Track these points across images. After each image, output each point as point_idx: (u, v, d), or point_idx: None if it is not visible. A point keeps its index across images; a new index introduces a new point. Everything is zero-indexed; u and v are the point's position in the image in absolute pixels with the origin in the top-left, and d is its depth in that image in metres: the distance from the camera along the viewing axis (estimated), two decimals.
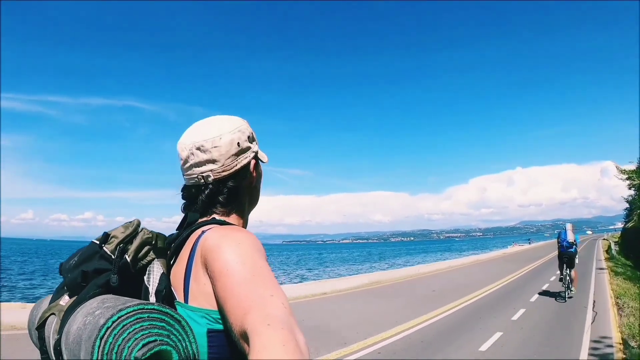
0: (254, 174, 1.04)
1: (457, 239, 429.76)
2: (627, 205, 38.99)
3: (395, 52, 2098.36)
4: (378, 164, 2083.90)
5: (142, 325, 0.73)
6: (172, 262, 0.95)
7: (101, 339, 0.70)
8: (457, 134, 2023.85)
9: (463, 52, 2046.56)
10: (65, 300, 0.89)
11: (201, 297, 0.83)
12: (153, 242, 0.93)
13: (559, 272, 10.65)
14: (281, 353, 0.60)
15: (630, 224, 30.17)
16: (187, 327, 0.78)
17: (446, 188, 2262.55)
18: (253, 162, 1.03)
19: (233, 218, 1.00)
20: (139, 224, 0.96)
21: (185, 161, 0.98)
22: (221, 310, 0.78)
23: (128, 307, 0.74)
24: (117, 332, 0.71)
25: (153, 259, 0.93)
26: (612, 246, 26.64)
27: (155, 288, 0.89)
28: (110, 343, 0.70)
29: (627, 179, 27.58)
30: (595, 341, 6.38)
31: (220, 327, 0.80)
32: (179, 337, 0.76)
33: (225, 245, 0.81)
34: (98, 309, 0.76)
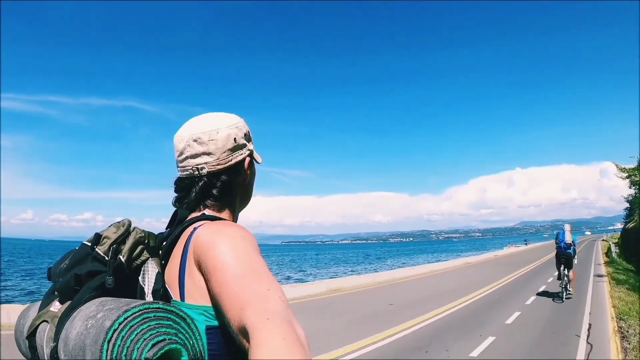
0: (248, 172, 1.03)
1: (455, 240, 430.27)
2: (626, 205, 37.00)
3: (396, 52, 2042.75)
4: (378, 165, 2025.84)
5: (149, 325, 0.72)
6: (165, 260, 0.93)
7: (109, 342, 0.69)
8: (456, 135, 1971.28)
9: (463, 53, 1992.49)
10: (56, 306, 0.87)
11: (197, 294, 0.82)
12: (146, 242, 0.92)
13: (556, 272, 10.71)
14: (282, 346, 0.60)
15: (630, 225, 28.20)
16: (192, 325, 0.78)
17: (446, 189, 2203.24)
18: (248, 159, 1.02)
19: (224, 214, 0.99)
20: (130, 224, 0.94)
21: (181, 153, 0.97)
22: (217, 305, 0.77)
23: (133, 307, 0.73)
24: (125, 333, 0.70)
25: (147, 259, 0.91)
26: (612, 248, 24.34)
27: (151, 288, 0.88)
28: (119, 345, 0.69)
29: (628, 177, 25.63)
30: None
31: (217, 323, 0.80)
32: (187, 334, 0.76)
33: (218, 240, 0.80)
34: (99, 312, 0.74)
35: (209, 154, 0.95)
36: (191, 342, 0.76)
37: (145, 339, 0.70)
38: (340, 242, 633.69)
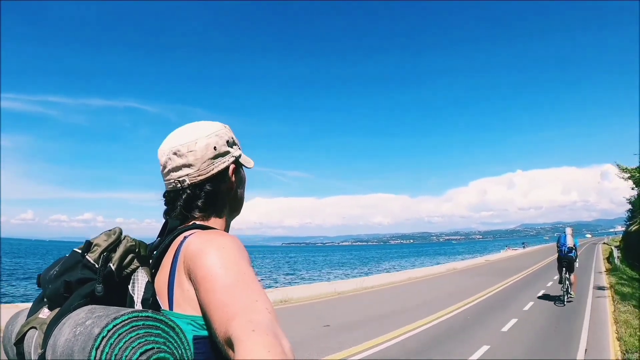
0: (233, 179, 1.01)
1: (454, 242, 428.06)
2: (628, 207, 36.25)
3: (396, 53, 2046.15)
4: (378, 167, 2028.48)
5: (138, 334, 0.72)
6: (155, 269, 0.93)
7: (97, 349, 0.68)
8: (457, 137, 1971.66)
9: (463, 54, 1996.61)
10: (45, 313, 0.87)
11: (185, 303, 0.82)
12: (137, 250, 0.92)
13: (548, 283, 10.90)
14: (266, 358, 0.60)
15: (633, 227, 27.36)
16: (181, 334, 0.78)
17: (446, 190, 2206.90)
18: (232, 166, 1.01)
19: (214, 223, 0.98)
20: (121, 232, 0.93)
21: (164, 167, 0.98)
22: (205, 315, 0.77)
23: (122, 315, 0.72)
24: (114, 341, 0.70)
25: (137, 267, 0.91)
26: (615, 253, 22.85)
27: (141, 297, 0.88)
28: (107, 353, 0.69)
29: (630, 177, 24.96)
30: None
31: (206, 333, 0.80)
32: (175, 344, 0.76)
33: (208, 250, 0.80)
34: (88, 319, 0.73)
35: (189, 165, 0.95)
36: (179, 351, 0.76)
37: (133, 347, 0.71)
38: (340, 244, 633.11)
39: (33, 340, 0.84)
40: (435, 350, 6.14)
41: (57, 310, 0.84)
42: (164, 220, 0.99)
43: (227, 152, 1.00)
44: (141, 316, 0.74)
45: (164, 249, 0.91)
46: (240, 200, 1.06)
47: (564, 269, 10.11)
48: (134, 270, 0.91)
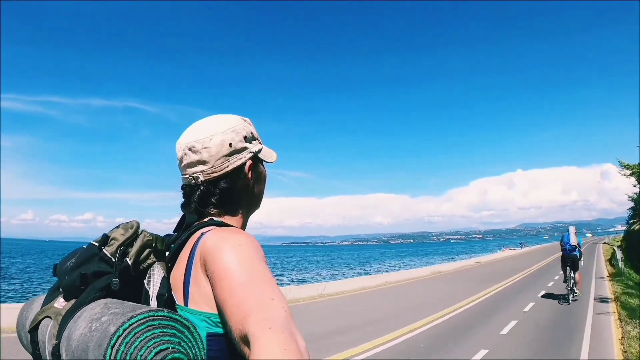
0: (250, 176, 1.00)
1: (452, 242, 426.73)
2: (629, 205, 34.91)
3: (396, 54, 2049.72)
4: (379, 167, 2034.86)
5: (153, 333, 0.72)
6: (171, 264, 0.93)
7: (112, 348, 0.68)
8: (457, 137, 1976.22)
9: (464, 54, 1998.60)
10: (60, 303, 0.87)
11: (201, 300, 0.82)
12: (153, 245, 0.92)
13: (541, 293, 10.52)
14: (282, 356, 0.60)
15: (636, 226, 26.00)
16: (195, 334, 0.77)
17: (447, 190, 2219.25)
18: (249, 163, 0.99)
19: (231, 220, 0.97)
20: (138, 226, 0.93)
21: (181, 161, 0.98)
22: (220, 313, 0.77)
23: (138, 314, 0.72)
24: (129, 340, 0.70)
25: (154, 262, 0.91)
26: (617, 255, 19.74)
27: (156, 292, 0.88)
28: (122, 352, 0.69)
29: (632, 174, 23.76)
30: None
31: (220, 330, 0.80)
32: (190, 344, 0.75)
33: (225, 247, 0.80)
34: (104, 315, 0.74)
35: (203, 162, 0.94)
36: (194, 351, 0.75)
37: (148, 347, 0.70)
38: (340, 244, 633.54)
39: (47, 329, 0.84)
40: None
41: (72, 301, 0.84)
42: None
43: (244, 149, 0.98)
44: (157, 315, 0.73)
45: (181, 244, 0.91)
46: (258, 197, 1.04)
47: (568, 267, 10.08)
48: (150, 265, 0.90)
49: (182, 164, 0.97)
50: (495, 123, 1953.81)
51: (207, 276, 0.80)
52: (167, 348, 0.71)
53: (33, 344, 0.87)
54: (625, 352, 5.77)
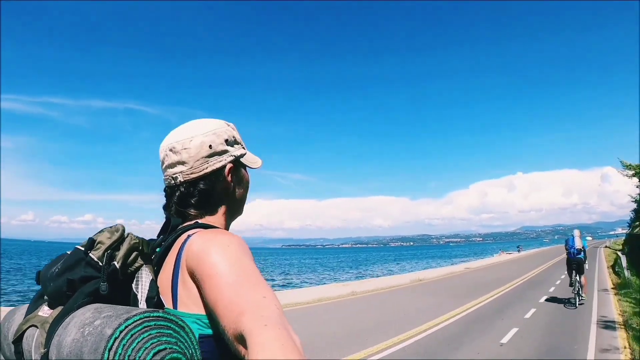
0: (230, 179, 1.00)
1: (452, 245, 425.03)
2: (630, 208, 33.98)
3: (396, 55, 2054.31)
4: (379, 169, 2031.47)
5: (150, 334, 0.72)
6: (157, 267, 0.93)
7: (109, 350, 0.68)
8: (458, 139, 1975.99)
9: (464, 56, 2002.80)
10: (44, 311, 0.86)
11: (190, 302, 0.82)
12: (140, 248, 0.91)
13: (533, 306, 10.07)
14: (280, 352, 0.61)
15: (639, 229, 25.39)
16: (190, 334, 0.78)
17: (447, 193, 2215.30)
18: (229, 166, 1.00)
19: (216, 222, 0.97)
20: (124, 230, 0.92)
21: (162, 162, 0.99)
22: (211, 313, 0.77)
23: (134, 315, 0.72)
24: (126, 342, 0.69)
25: (141, 265, 0.90)
26: (622, 262, 17.15)
27: (145, 295, 0.87)
28: (120, 354, 0.68)
29: (634, 175, 23.02)
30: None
31: (210, 331, 0.80)
32: (186, 344, 0.75)
33: (212, 248, 0.80)
34: (97, 319, 0.72)
35: (182, 163, 0.95)
36: (190, 351, 0.76)
37: (146, 348, 0.70)
38: (340, 246, 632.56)
39: (34, 339, 0.82)
40: None
41: (59, 308, 0.83)
42: (163, 222, 0.99)
43: (225, 152, 0.99)
44: (153, 316, 0.73)
45: (167, 247, 0.91)
46: (239, 201, 1.04)
47: (573, 271, 10.04)
48: (137, 268, 0.89)
49: (164, 165, 0.98)
50: (495, 125, 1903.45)
51: (194, 278, 0.81)
52: (165, 348, 0.71)
53: (18, 354, 0.85)
54: None
